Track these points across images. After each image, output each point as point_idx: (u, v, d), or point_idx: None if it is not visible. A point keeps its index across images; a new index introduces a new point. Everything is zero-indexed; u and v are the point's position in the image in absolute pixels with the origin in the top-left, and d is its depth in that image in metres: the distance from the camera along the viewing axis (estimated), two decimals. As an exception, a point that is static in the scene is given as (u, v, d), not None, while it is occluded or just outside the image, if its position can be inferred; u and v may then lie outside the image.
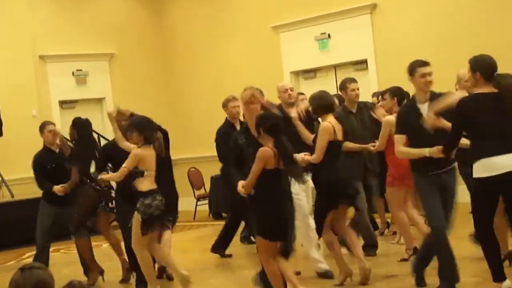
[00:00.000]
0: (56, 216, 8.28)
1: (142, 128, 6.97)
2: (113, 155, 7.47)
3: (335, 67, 13.41)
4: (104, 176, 7.39)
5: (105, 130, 13.81)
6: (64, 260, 8.96)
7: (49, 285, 3.13)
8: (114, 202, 8.19)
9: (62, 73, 14.37)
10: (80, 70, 14.68)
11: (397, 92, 7.77)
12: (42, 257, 8.27)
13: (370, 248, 8.24)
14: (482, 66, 5.77)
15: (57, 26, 14.37)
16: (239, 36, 14.47)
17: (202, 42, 15.02)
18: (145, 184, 6.92)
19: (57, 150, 8.37)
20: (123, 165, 6.87)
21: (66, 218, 8.15)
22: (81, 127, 8.28)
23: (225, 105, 8.64)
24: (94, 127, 13.14)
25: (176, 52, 15.61)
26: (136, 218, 6.86)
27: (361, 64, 12.95)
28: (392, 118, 7.61)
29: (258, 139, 6.09)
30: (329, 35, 13.17)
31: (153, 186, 6.96)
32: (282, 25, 13.77)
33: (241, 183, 6.07)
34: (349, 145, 7.79)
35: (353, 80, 8.42)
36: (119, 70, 15.12)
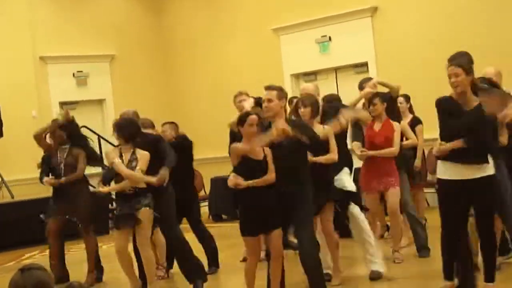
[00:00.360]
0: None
1: (121, 130, 6.99)
2: None
3: (336, 69, 13.41)
4: (104, 189, 7.04)
5: (105, 131, 13.79)
6: (64, 261, 8.97)
7: (48, 286, 3.13)
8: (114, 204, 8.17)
9: (62, 74, 14.36)
10: (81, 71, 14.68)
11: (386, 98, 7.88)
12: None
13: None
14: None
15: (57, 26, 14.37)
16: (239, 37, 14.47)
17: (202, 42, 15.03)
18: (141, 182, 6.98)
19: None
20: (140, 167, 6.84)
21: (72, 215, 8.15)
22: (68, 125, 8.20)
23: (234, 101, 8.70)
24: (94, 129, 13.28)
25: (176, 52, 15.61)
26: (148, 214, 6.87)
27: (362, 67, 12.94)
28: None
29: (242, 132, 6.08)
30: (329, 38, 13.16)
31: None
32: (283, 28, 13.77)
33: (242, 181, 6.03)
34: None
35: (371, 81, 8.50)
36: (119, 71, 15.11)
